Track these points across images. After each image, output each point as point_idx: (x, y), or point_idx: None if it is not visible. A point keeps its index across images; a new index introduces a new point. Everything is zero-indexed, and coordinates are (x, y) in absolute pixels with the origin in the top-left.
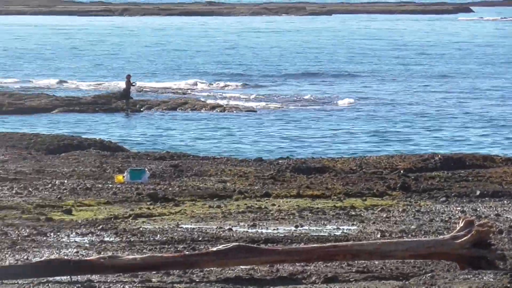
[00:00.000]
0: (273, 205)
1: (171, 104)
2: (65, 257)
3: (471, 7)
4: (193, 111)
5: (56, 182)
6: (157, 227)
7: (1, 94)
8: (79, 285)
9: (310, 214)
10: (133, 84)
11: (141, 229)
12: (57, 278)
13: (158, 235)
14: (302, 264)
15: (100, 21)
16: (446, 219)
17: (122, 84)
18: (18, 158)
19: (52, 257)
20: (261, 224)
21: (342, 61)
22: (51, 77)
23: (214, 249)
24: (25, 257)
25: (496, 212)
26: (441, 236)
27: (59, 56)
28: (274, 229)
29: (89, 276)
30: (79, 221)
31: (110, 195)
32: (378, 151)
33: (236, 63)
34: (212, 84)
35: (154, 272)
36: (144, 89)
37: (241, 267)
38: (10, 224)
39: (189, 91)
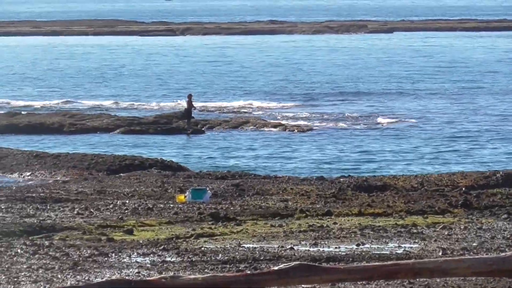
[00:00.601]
0: (335, 223)
1: (232, 123)
2: (127, 278)
3: None
4: (254, 130)
5: (118, 203)
6: (218, 246)
7: (62, 115)
8: None
9: (371, 232)
10: (194, 108)
11: (202, 248)
12: None
13: (220, 255)
14: (363, 282)
15: (162, 40)
16: (508, 236)
17: (184, 104)
18: (80, 178)
19: (114, 277)
20: (322, 242)
21: (403, 79)
22: (113, 97)
23: (276, 268)
24: (87, 278)
25: None
26: (503, 254)
27: (120, 76)
28: (336, 248)
29: None
30: (141, 241)
31: (172, 215)
32: (439, 169)
33: (297, 81)
34: (274, 103)
35: None
36: (205, 109)
37: (303, 286)
38: (72, 245)
39: (250, 110)
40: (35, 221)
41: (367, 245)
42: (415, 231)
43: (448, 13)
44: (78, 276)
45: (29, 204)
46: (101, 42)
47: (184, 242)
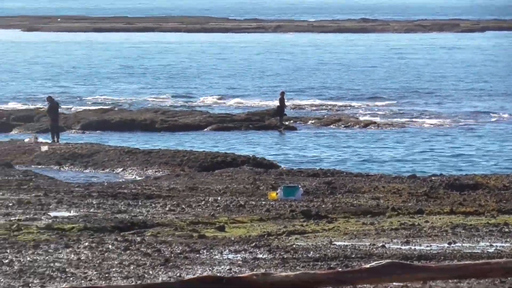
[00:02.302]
0: (426, 222)
1: (324, 120)
2: (218, 274)
3: None
4: (346, 127)
5: (209, 199)
6: (310, 244)
7: (154, 111)
8: None
9: (463, 231)
10: (286, 106)
11: (294, 246)
12: None
13: (311, 252)
14: (455, 281)
15: (253, 37)
16: None
17: (276, 101)
18: (171, 175)
19: (205, 274)
20: (414, 241)
21: (496, 78)
22: (208, 94)
23: (367, 266)
24: (178, 274)
25: None
26: None
27: (211, 73)
28: (427, 246)
29: None
30: (232, 238)
31: (264, 212)
32: None
33: (388, 80)
34: (366, 101)
35: None
36: (297, 106)
37: (394, 284)
38: (163, 241)
39: (342, 107)
40: (127, 217)
41: (458, 244)
42: (506, 230)
43: None
44: (169, 273)
45: (120, 200)
46: (193, 38)
47: (276, 239)
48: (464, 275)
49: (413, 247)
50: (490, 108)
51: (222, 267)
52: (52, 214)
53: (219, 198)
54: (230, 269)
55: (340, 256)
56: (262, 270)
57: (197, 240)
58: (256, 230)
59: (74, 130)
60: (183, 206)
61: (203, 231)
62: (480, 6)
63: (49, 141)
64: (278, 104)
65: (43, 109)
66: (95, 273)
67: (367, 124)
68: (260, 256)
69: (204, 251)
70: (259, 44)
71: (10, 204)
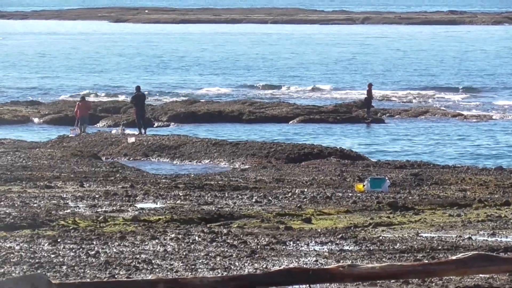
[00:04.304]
0: None
1: (412, 112)
2: (305, 266)
3: None
4: (434, 119)
5: (296, 191)
6: (396, 235)
7: (241, 103)
8: None
9: None
10: (373, 98)
11: (380, 237)
12: (296, 287)
13: (398, 244)
14: None
15: (341, 29)
16: None
17: (363, 93)
18: (258, 166)
19: (291, 265)
20: (500, 232)
21: None
22: (294, 86)
23: (454, 257)
24: (264, 266)
25: None
26: None
27: (302, 65)
28: None
29: (328, 284)
30: (319, 230)
31: (350, 204)
32: None
33: (473, 72)
34: (453, 94)
35: (393, 281)
36: (385, 98)
37: (480, 275)
38: (250, 233)
39: (429, 99)
40: (213, 208)
41: None
42: None
43: None
44: (255, 264)
45: (207, 192)
46: (279, 30)
47: (362, 231)
48: None
49: (499, 239)
50: None
51: (309, 258)
52: (139, 205)
53: (305, 190)
54: (317, 260)
55: (426, 248)
56: (348, 262)
57: (284, 232)
58: (343, 222)
59: (161, 122)
60: (270, 198)
61: (290, 223)
62: None
63: (136, 133)
64: (366, 96)
65: (129, 99)
66: (181, 264)
67: (454, 116)
68: (347, 247)
69: (291, 242)
70: (346, 36)
71: (97, 196)
